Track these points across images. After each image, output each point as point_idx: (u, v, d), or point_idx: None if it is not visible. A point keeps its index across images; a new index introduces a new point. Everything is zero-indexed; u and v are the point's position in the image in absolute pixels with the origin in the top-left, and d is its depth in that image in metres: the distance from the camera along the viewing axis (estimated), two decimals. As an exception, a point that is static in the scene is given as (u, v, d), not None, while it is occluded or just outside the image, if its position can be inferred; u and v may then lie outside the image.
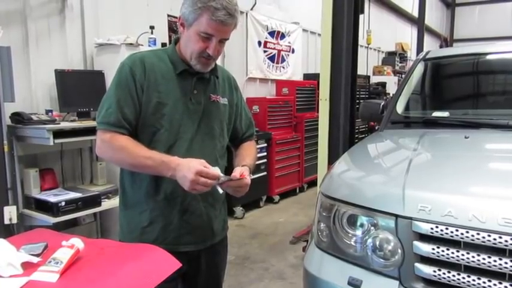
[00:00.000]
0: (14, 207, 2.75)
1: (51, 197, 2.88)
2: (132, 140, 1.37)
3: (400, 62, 10.49)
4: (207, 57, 1.41)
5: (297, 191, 5.96)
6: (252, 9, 5.73)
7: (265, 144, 5.22)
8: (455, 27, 16.52)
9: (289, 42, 6.56)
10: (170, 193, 1.42)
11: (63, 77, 3.15)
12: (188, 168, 1.27)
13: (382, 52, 10.47)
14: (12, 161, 2.82)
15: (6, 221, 2.70)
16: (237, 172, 1.40)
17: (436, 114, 2.50)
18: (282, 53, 6.44)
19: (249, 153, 1.62)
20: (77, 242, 1.02)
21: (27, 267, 0.97)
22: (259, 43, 5.93)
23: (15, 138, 2.88)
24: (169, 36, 4.23)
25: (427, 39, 11.94)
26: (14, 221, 2.72)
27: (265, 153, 5.22)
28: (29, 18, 3.14)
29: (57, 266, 0.94)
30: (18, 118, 2.85)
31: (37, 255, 1.01)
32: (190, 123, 1.45)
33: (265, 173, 5.23)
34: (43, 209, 2.85)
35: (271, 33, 6.14)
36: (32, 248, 1.03)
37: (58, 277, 0.93)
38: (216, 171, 1.32)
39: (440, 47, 12.56)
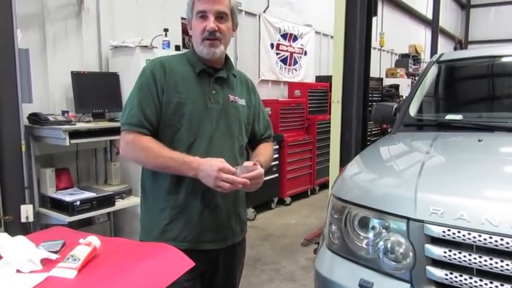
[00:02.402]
0: (31, 205, 2.81)
1: (67, 196, 2.93)
2: (154, 140, 1.42)
3: (414, 64, 10.38)
4: (209, 37, 1.45)
5: (309, 193, 5.95)
6: (264, 11, 5.75)
7: (277, 146, 5.23)
8: (470, 29, 16.31)
9: (301, 45, 6.56)
10: (191, 191, 1.45)
11: (79, 79, 3.21)
12: (210, 166, 1.33)
13: (396, 54, 10.40)
14: (29, 160, 2.88)
15: (23, 219, 2.76)
16: (245, 164, 1.44)
17: (450, 117, 2.48)
18: (295, 55, 6.45)
19: (263, 152, 1.65)
20: (94, 240, 1.05)
21: (46, 263, 1.00)
22: (272, 45, 5.94)
23: (32, 138, 2.94)
24: (183, 39, 4.27)
25: (441, 41, 11.82)
26: (31, 219, 2.78)
27: (277, 155, 5.21)
28: (46, 21, 3.21)
29: (75, 262, 0.97)
30: (36, 119, 2.91)
31: (55, 252, 1.04)
32: (209, 121, 1.49)
33: (276, 174, 5.24)
34: (58, 208, 2.91)
35: (284, 36, 6.15)
36: (51, 245, 1.07)
37: (76, 273, 0.96)
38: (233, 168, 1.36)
39: (455, 49, 12.41)
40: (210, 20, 1.43)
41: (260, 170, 1.42)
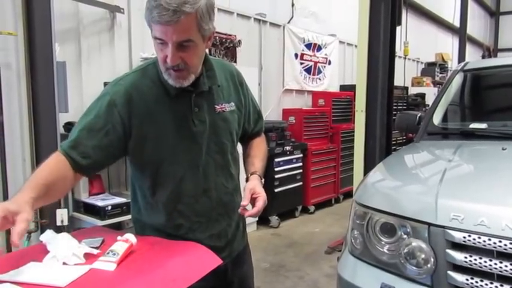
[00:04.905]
0: (65, 210, 2.95)
1: (99, 201, 3.07)
2: (55, 163, 1.19)
3: (441, 73, 10.24)
4: (172, 68, 1.19)
5: (333, 201, 5.96)
6: (289, 22, 5.85)
7: (301, 155, 5.28)
8: (500, 36, 15.98)
9: (325, 54, 6.62)
10: (190, 227, 1.34)
11: (111, 89, 3.36)
12: None
13: (421, 63, 10.29)
14: (64, 167, 3.02)
15: (58, 223, 2.91)
16: (245, 200, 1.28)
17: (474, 125, 2.49)
18: (319, 64, 6.50)
19: (258, 153, 1.50)
20: (131, 237, 1.14)
21: (89, 257, 1.10)
22: (296, 55, 6.02)
23: (68, 146, 3.09)
24: (209, 50, 4.41)
25: (469, 49, 11.62)
26: (65, 222, 2.93)
27: (300, 164, 5.28)
28: (82, 35, 3.39)
29: (115, 257, 1.06)
30: (71, 127, 3.02)
31: (96, 248, 1.14)
32: (197, 147, 1.30)
33: (301, 183, 5.28)
34: (91, 212, 3.05)
35: (308, 46, 6.22)
36: (92, 241, 1.17)
37: (115, 266, 1.05)
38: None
39: (483, 57, 12.16)
40: (169, 50, 1.15)
41: (251, 213, 1.27)
